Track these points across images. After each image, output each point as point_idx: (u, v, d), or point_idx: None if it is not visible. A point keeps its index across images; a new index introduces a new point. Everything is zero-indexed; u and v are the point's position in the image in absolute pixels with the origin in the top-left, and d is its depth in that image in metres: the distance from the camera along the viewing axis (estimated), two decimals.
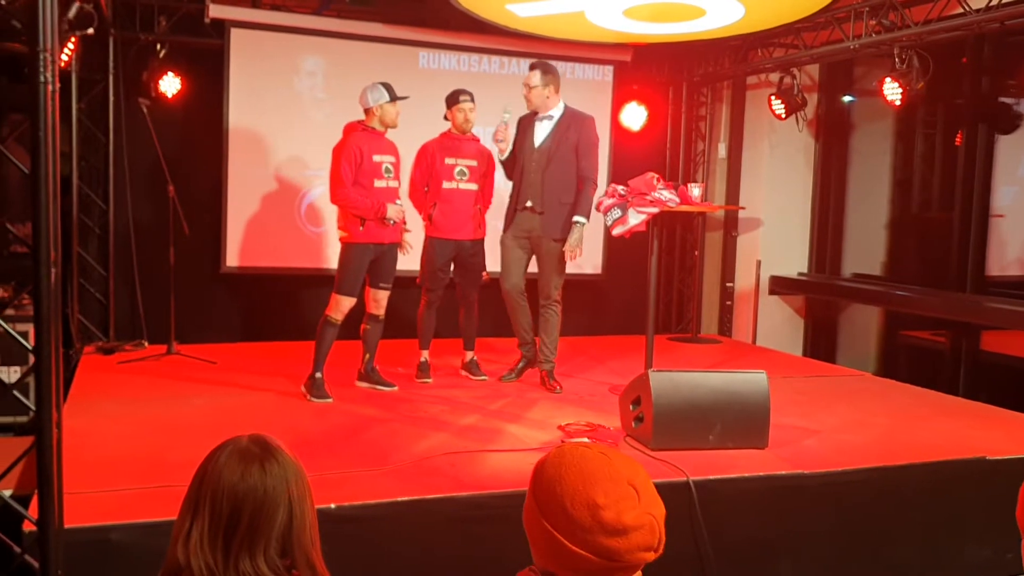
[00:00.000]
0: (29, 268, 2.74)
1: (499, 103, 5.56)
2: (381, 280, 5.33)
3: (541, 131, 5.48)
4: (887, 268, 7.93)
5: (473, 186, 5.69)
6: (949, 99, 7.29)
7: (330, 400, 5.08)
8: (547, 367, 5.57)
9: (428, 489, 3.57)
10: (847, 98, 8.15)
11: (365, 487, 3.55)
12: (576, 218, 5.39)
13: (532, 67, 5.53)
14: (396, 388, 5.41)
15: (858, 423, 4.94)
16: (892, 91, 6.28)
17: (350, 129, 5.27)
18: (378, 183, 5.17)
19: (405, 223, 5.35)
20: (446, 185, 5.65)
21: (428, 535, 3.45)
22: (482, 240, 5.78)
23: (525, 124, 5.56)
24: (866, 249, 8.04)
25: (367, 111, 5.22)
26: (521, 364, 5.74)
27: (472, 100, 5.69)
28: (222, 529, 1.59)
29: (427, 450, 4.12)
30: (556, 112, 5.48)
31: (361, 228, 5.13)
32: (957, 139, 7.13)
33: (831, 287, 7.86)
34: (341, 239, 5.25)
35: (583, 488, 1.51)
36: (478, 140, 5.78)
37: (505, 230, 5.60)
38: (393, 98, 5.17)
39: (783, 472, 3.97)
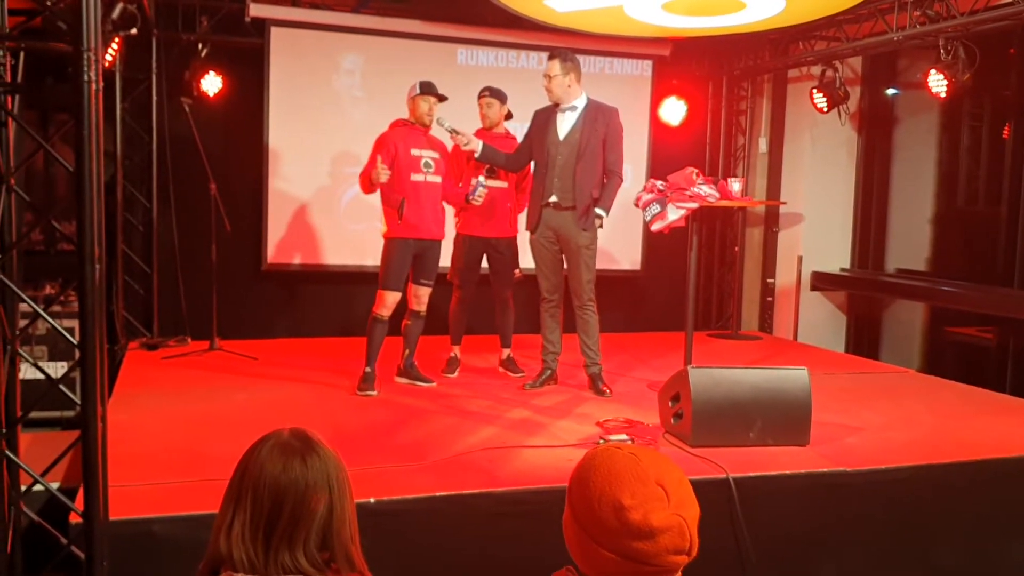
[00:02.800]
0: (74, 265, 2.79)
1: (537, 100, 5.50)
2: (423, 276, 5.35)
3: (565, 123, 5.21)
4: (932, 263, 7.79)
5: (502, 184, 5.68)
6: (996, 91, 7.14)
7: (373, 394, 5.13)
8: (594, 370, 5.37)
9: (466, 484, 3.57)
10: (891, 91, 8.02)
11: (403, 482, 3.56)
12: (598, 211, 5.17)
13: (551, 56, 5.22)
14: (434, 384, 5.43)
15: (902, 420, 4.87)
16: (937, 83, 6.17)
17: (392, 125, 5.33)
18: (415, 176, 5.20)
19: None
20: (475, 182, 5.65)
21: (465, 530, 3.46)
22: (513, 238, 5.76)
23: (544, 117, 5.32)
24: (910, 244, 7.91)
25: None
26: (546, 374, 5.48)
27: (491, 95, 5.67)
28: (263, 521, 1.61)
29: (465, 446, 4.13)
30: (579, 103, 5.20)
31: (399, 220, 5.17)
32: (1005, 132, 6.99)
33: (874, 283, 7.74)
34: (383, 234, 5.29)
35: (609, 489, 1.49)
36: (512, 138, 5.74)
37: (532, 230, 5.35)
38: (423, 92, 5.18)
39: (825, 470, 3.93)
